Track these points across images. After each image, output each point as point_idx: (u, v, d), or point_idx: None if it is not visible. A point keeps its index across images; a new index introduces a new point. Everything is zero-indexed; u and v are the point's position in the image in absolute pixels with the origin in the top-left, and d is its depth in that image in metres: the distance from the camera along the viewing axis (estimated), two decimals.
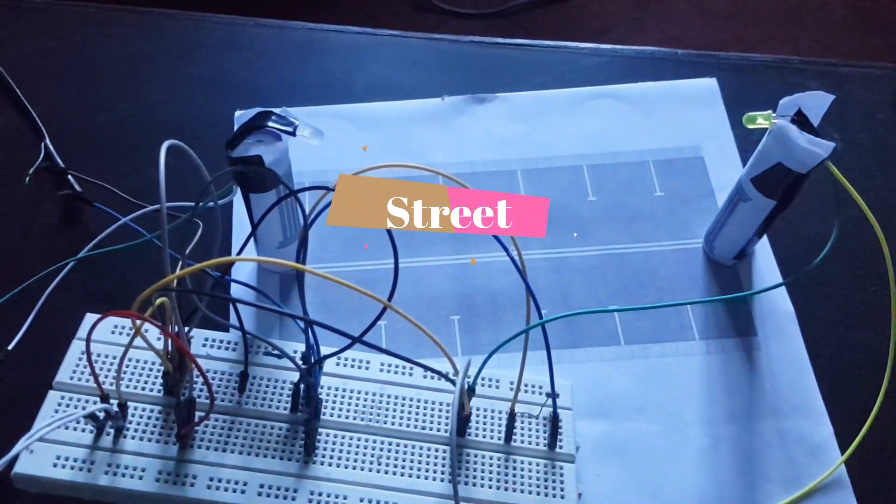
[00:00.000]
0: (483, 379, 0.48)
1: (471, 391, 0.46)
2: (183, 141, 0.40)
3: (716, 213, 0.55)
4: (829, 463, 0.48)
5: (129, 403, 0.45)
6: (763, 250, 0.56)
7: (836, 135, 0.61)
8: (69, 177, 0.57)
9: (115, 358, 0.47)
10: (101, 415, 0.43)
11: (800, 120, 0.46)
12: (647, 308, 0.53)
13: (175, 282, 0.38)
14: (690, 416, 0.50)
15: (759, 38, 1.46)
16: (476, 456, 0.46)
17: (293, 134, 0.45)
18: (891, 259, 0.46)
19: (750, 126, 0.46)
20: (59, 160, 0.58)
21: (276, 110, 0.46)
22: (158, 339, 0.47)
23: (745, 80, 0.64)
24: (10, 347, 0.50)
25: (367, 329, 0.40)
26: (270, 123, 0.45)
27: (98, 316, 0.40)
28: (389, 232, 0.40)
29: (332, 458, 0.45)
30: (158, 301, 0.41)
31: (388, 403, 0.47)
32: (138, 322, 0.41)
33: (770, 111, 0.46)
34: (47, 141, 0.59)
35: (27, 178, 0.56)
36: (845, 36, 1.46)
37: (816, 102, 0.46)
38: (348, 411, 0.46)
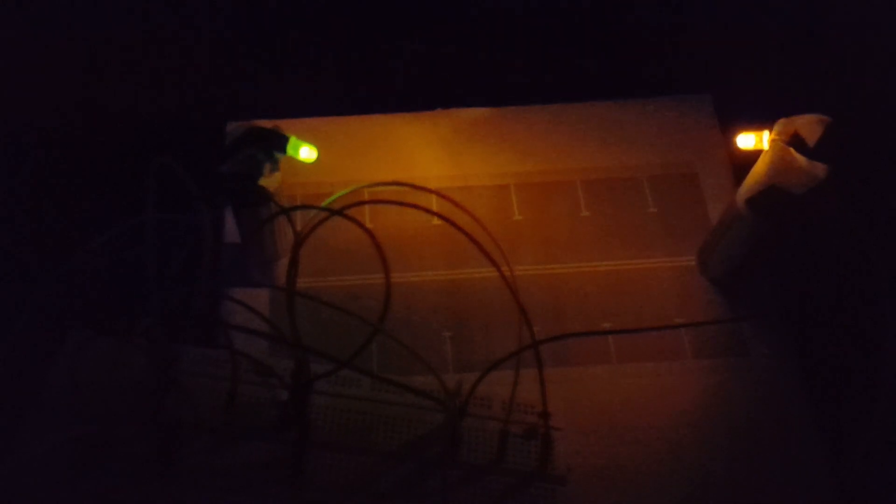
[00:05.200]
0: (475, 399, 0.47)
1: (462, 411, 0.45)
2: (172, 154, 0.40)
3: (709, 230, 0.54)
4: (821, 482, 0.48)
5: None
6: (757, 269, 0.55)
7: (829, 156, 0.61)
8: None
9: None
10: None
11: (796, 142, 0.45)
12: (640, 331, 0.52)
13: (164, 301, 0.38)
14: (683, 435, 0.49)
15: (753, 56, 1.46)
16: (468, 476, 0.45)
17: (284, 151, 0.45)
18: (885, 280, 0.46)
19: (745, 147, 0.46)
20: None
21: (268, 124, 0.45)
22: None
23: (741, 98, 0.63)
24: None
25: (355, 353, 0.39)
26: (262, 138, 0.45)
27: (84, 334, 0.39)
28: (381, 252, 0.40)
29: (321, 478, 0.44)
30: (148, 320, 0.40)
31: (378, 423, 0.46)
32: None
33: (766, 131, 0.46)
34: None
35: None
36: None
37: (813, 125, 0.45)
38: (338, 431, 0.46)
